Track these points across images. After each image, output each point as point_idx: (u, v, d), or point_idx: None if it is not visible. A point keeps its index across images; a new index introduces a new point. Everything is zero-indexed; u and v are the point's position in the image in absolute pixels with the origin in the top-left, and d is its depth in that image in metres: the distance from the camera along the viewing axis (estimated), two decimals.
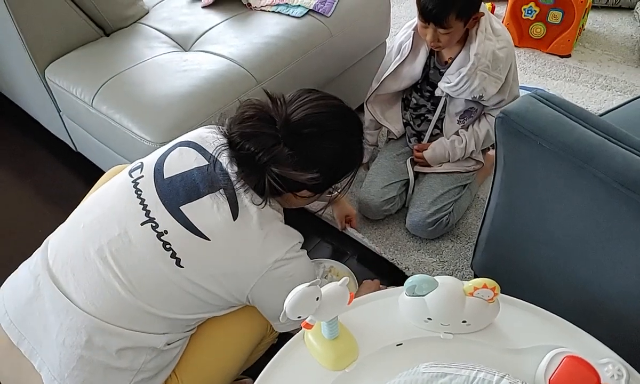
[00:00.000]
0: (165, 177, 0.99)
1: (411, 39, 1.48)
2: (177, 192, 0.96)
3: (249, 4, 1.72)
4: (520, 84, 1.58)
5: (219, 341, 1.06)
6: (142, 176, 1.00)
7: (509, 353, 0.81)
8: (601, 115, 1.29)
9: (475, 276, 1.31)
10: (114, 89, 1.44)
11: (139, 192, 0.98)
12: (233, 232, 0.95)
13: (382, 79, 1.55)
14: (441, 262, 1.53)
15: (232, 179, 0.97)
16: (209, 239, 0.94)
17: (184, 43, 1.62)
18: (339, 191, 1.09)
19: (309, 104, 0.96)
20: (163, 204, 0.96)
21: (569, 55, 2.29)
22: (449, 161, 1.59)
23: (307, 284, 0.72)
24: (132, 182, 1.00)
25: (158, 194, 0.97)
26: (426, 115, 1.61)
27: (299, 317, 0.73)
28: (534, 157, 0.95)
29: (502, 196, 1.10)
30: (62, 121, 1.74)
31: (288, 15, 1.65)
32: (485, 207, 1.19)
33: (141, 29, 1.67)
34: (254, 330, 1.10)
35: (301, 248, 1.05)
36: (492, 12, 2.48)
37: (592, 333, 0.83)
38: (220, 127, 0.98)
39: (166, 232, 0.94)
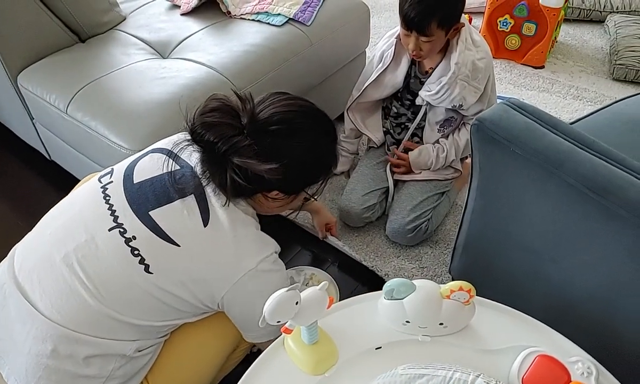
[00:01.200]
0: (134, 182, 0.97)
1: (393, 47, 1.50)
2: (147, 197, 0.95)
3: (229, 12, 1.72)
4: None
5: (193, 347, 1.05)
6: (112, 182, 0.99)
7: (484, 354, 0.82)
8: (572, 123, 1.33)
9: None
10: (90, 96, 1.42)
11: (107, 198, 0.96)
12: (204, 238, 0.93)
13: (364, 87, 1.57)
14: (420, 268, 1.55)
15: (202, 182, 0.95)
16: (178, 245, 0.92)
17: (162, 50, 1.61)
18: (312, 195, 1.07)
19: (278, 103, 0.95)
20: (132, 209, 0.94)
21: (542, 67, 2.36)
22: (429, 169, 1.61)
23: (286, 288, 0.72)
24: (101, 187, 0.98)
25: (127, 199, 0.95)
26: (406, 123, 1.63)
27: (278, 321, 0.73)
28: (508, 163, 0.98)
29: (478, 201, 1.12)
30: (35, 128, 1.71)
31: (268, 23, 1.66)
32: (462, 213, 1.21)
33: (118, 35, 1.65)
34: (228, 336, 1.08)
35: (279, 258, 1.03)
36: (470, 22, 2.53)
37: (564, 332, 0.85)
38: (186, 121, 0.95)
39: (134, 237, 0.92)
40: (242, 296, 0.96)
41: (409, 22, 1.34)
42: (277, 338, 0.86)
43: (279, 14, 1.68)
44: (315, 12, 1.71)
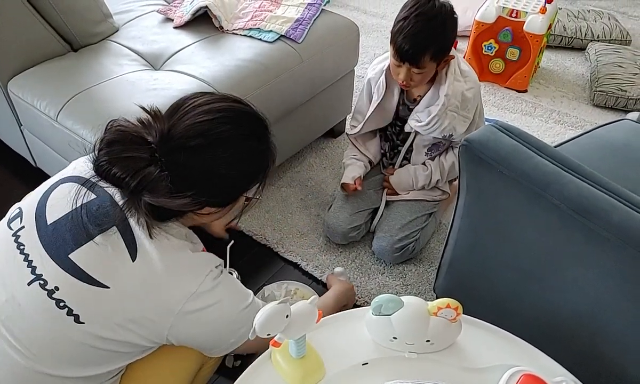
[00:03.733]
0: (48, 223, 0.87)
1: (384, 76, 1.51)
2: (64, 238, 0.85)
3: (221, 27, 1.74)
4: None
5: (153, 378, 0.98)
6: (23, 227, 0.89)
7: (470, 372, 0.83)
8: (555, 147, 1.36)
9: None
10: (81, 105, 1.42)
11: (21, 247, 0.87)
12: (134, 274, 0.85)
13: (365, 121, 1.58)
14: (405, 285, 1.56)
15: (125, 212, 0.85)
16: (107, 287, 0.84)
17: (154, 62, 1.62)
18: (253, 195, 0.98)
19: (191, 112, 0.85)
20: (49, 255, 0.85)
21: (525, 91, 2.41)
22: (413, 188, 1.63)
23: (277, 302, 0.73)
24: (13, 236, 0.89)
25: (42, 245, 0.86)
26: (398, 148, 1.66)
27: (268, 335, 0.74)
28: (495, 183, 1.00)
29: (465, 221, 1.14)
30: (23, 135, 1.69)
31: (260, 39, 1.68)
32: (448, 231, 1.23)
33: (110, 46, 1.66)
34: (189, 358, 1.00)
35: (221, 270, 0.95)
36: (455, 47, 2.59)
37: (548, 351, 0.87)
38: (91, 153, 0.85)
39: (57, 288, 0.83)
40: (192, 320, 0.89)
41: (402, 54, 1.34)
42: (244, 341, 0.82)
43: (270, 31, 1.70)
44: (306, 30, 1.73)
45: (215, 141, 0.85)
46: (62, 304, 0.83)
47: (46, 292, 0.84)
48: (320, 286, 1.56)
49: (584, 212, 0.86)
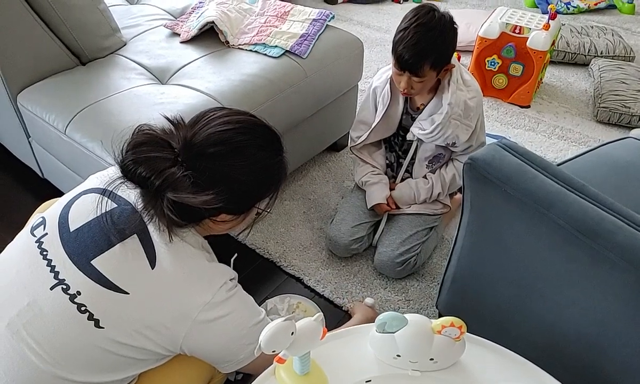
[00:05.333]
0: (71, 230, 0.91)
1: (388, 85, 1.54)
2: (86, 244, 0.89)
3: (227, 42, 1.76)
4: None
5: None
6: (46, 234, 0.92)
7: None
8: (559, 164, 1.37)
9: (440, 315, 1.35)
10: (89, 118, 1.44)
11: (44, 253, 0.90)
12: (153, 281, 0.88)
13: (373, 127, 1.59)
14: (407, 300, 1.56)
15: (145, 220, 0.89)
16: (127, 293, 0.87)
17: (161, 76, 1.63)
18: (264, 209, 1.02)
19: (213, 122, 0.90)
20: (72, 261, 0.88)
21: (528, 106, 2.42)
22: (415, 202, 1.64)
23: (283, 318, 0.73)
24: (36, 242, 0.92)
25: (65, 251, 0.89)
26: (400, 160, 1.67)
27: (274, 351, 0.74)
28: (499, 202, 1.00)
29: (468, 238, 1.15)
30: (31, 146, 1.71)
31: (265, 54, 1.70)
32: (451, 248, 1.23)
33: (118, 60, 1.68)
34: (199, 371, 1.02)
35: (236, 283, 0.98)
36: (458, 61, 2.61)
37: (551, 370, 0.87)
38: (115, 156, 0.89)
39: (79, 293, 0.86)
40: (205, 331, 0.92)
41: (402, 63, 1.38)
42: (256, 358, 0.83)
43: (276, 46, 1.72)
44: (311, 46, 1.75)
45: (235, 149, 0.90)
46: (83, 308, 0.86)
47: (68, 296, 0.86)
48: (322, 300, 1.56)
49: (589, 232, 0.86)
